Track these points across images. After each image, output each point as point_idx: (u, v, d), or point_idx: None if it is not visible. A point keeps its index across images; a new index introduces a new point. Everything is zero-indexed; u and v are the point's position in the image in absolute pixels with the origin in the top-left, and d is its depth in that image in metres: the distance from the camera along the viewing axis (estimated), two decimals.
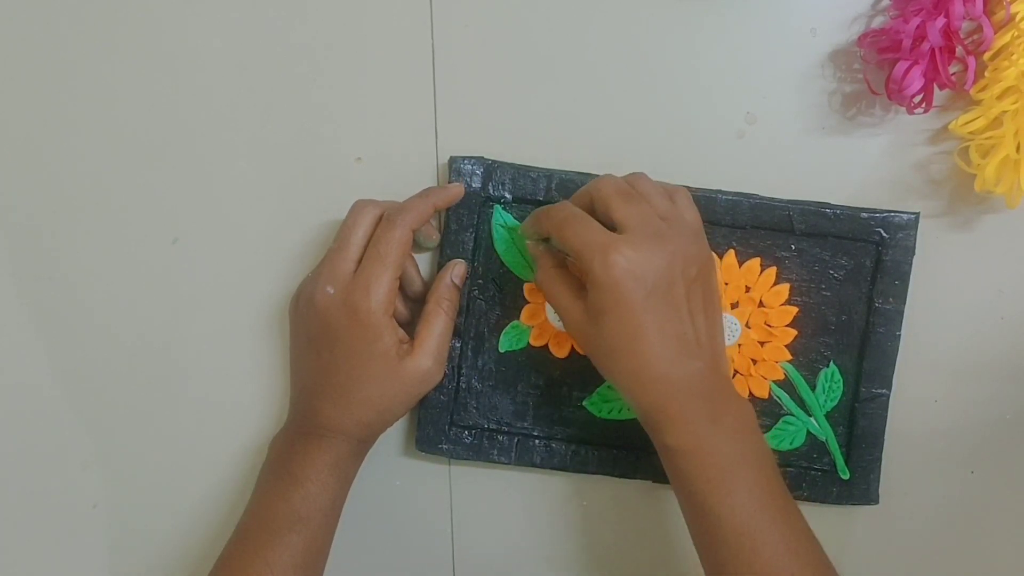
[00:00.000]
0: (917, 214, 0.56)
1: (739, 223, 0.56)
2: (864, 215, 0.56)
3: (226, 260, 0.58)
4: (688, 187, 0.56)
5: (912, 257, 0.56)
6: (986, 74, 0.54)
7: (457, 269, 0.56)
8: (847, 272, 0.57)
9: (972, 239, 0.57)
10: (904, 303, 0.56)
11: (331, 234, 0.57)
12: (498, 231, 0.57)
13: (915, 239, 0.56)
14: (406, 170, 0.57)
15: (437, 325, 0.55)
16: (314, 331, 0.54)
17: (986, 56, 0.53)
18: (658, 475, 0.57)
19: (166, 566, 0.60)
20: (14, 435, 0.59)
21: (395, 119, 0.57)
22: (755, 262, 0.57)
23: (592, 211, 0.50)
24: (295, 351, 0.57)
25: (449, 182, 0.56)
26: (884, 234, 0.56)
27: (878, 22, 0.56)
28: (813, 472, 0.57)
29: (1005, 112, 0.53)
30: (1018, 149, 0.52)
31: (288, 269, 0.58)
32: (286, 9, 0.57)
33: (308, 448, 0.53)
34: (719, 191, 0.56)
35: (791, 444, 0.57)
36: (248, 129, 0.57)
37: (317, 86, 0.57)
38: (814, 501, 0.57)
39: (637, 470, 0.57)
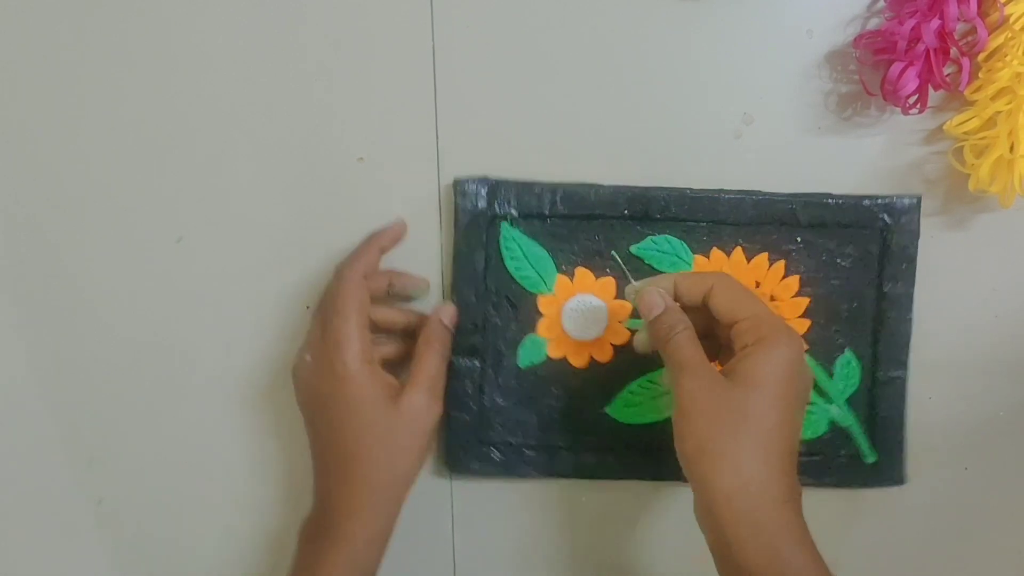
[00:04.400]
0: (919, 197, 0.56)
1: (743, 220, 0.57)
2: (866, 202, 0.56)
3: (230, 258, 0.59)
4: (690, 189, 0.57)
5: (917, 240, 0.56)
6: (980, 75, 0.54)
7: (447, 311, 0.56)
8: (854, 260, 0.57)
9: (966, 238, 0.58)
10: (913, 286, 0.57)
11: (333, 231, 0.58)
12: (507, 247, 0.57)
13: (919, 222, 0.56)
14: (407, 169, 0.58)
15: (429, 361, 0.54)
16: (306, 403, 0.54)
17: (980, 57, 0.53)
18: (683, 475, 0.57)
19: (171, 562, 0.60)
20: (19, 431, 0.59)
21: (396, 119, 0.58)
22: (763, 257, 0.57)
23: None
24: (308, 436, 0.56)
25: (456, 203, 0.57)
26: (888, 219, 0.56)
27: (874, 23, 0.57)
28: (839, 459, 0.58)
29: (999, 113, 0.53)
30: (1012, 149, 0.53)
31: (290, 266, 0.58)
32: (289, 10, 0.57)
33: (325, 550, 0.51)
34: (721, 190, 0.57)
35: (814, 433, 0.58)
36: (251, 129, 0.58)
37: (319, 86, 0.58)
38: (842, 487, 0.58)
39: (664, 473, 0.56)
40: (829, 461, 0.58)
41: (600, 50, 0.57)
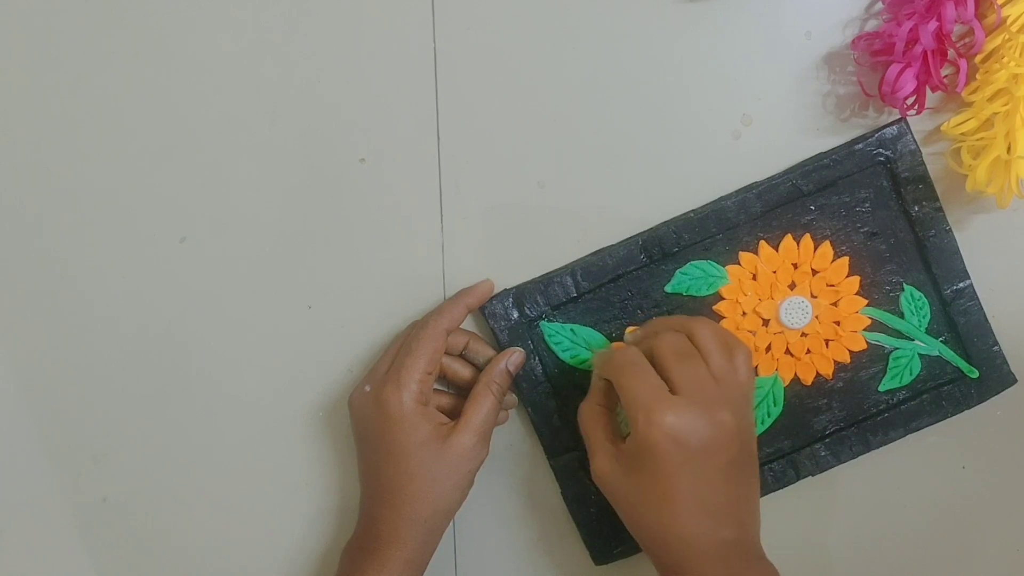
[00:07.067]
0: (902, 119, 0.56)
1: (754, 215, 0.57)
2: (858, 146, 0.57)
3: (232, 258, 0.59)
4: (692, 211, 0.57)
5: (921, 157, 0.56)
6: (977, 76, 0.54)
7: (514, 357, 0.56)
8: (872, 201, 0.57)
9: (964, 238, 0.58)
10: (937, 200, 0.57)
11: (335, 232, 0.58)
12: (555, 342, 0.58)
13: (915, 141, 0.56)
14: (408, 170, 0.58)
15: (484, 404, 0.54)
16: (358, 432, 0.56)
17: (977, 59, 0.54)
18: None
19: (174, 560, 0.60)
20: (25, 429, 0.59)
21: (398, 120, 0.58)
22: (788, 240, 0.57)
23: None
24: (357, 459, 0.58)
25: (491, 327, 0.57)
26: (884, 151, 0.57)
27: (871, 25, 0.57)
28: (946, 388, 0.58)
29: (996, 114, 0.53)
30: (1009, 150, 0.53)
31: (293, 266, 0.59)
32: (291, 12, 0.58)
33: (364, 571, 0.53)
34: (721, 198, 0.57)
35: (912, 375, 0.58)
36: (254, 130, 0.58)
37: (321, 88, 0.58)
38: (960, 412, 0.58)
39: None
40: (939, 394, 0.58)
41: (599, 50, 0.58)
